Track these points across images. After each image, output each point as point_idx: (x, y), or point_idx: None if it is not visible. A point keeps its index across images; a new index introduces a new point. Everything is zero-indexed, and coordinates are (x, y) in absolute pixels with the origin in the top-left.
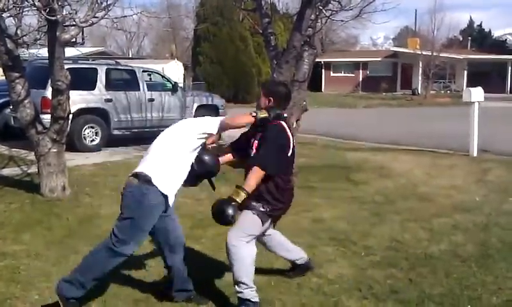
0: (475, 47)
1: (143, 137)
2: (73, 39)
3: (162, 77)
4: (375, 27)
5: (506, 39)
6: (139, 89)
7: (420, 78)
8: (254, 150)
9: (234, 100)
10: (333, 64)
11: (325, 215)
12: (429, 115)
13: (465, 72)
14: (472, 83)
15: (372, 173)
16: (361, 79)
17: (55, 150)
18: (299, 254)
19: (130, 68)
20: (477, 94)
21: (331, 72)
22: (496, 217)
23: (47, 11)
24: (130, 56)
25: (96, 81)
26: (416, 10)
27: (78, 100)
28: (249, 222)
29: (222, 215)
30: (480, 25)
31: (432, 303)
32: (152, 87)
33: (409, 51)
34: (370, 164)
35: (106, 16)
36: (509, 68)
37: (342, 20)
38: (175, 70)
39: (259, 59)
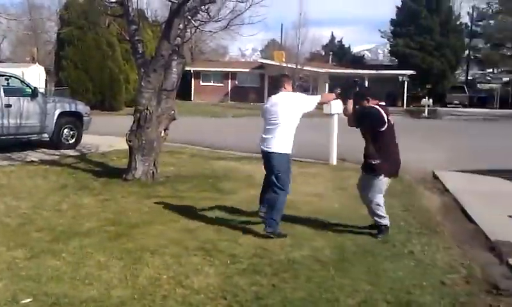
0: (336, 61)
1: None
2: None
3: (21, 81)
4: (243, 39)
5: (364, 55)
6: None
7: None
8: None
9: (100, 107)
10: (203, 73)
11: (193, 225)
12: None
13: (327, 85)
14: None
15: (239, 181)
16: (230, 89)
17: None
18: None
19: None
20: (336, 106)
21: (201, 81)
22: (353, 222)
23: None
24: None
25: None
26: (282, 24)
27: None
28: None
29: None
30: (340, 41)
31: None
32: (9, 92)
33: (275, 63)
34: (238, 173)
35: None
36: (366, 82)
37: (210, 31)
38: (36, 75)
39: (127, 65)
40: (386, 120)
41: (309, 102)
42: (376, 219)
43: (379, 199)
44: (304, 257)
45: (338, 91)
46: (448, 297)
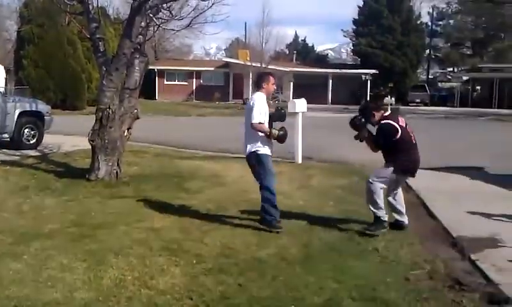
0: (300, 60)
1: None
2: None
3: None
4: (207, 38)
5: (328, 54)
6: None
7: (250, 88)
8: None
9: (62, 106)
10: (167, 72)
11: (158, 225)
12: None
13: (291, 84)
14: (297, 94)
15: (205, 181)
16: (194, 88)
17: None
18: None
19: None
20: (300, 105)
21: (165, 80)
22: (318, 220)
23: None
24: None
25: None
26: (246, 23)
27: None
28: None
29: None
30: (304, 40)
31: (259, 306)
32: None
33: (240, 62)
34: (204, 172)
35: None
36: (330, 80)
37: (173, 29)
38: None
39: (89, 64)
40: (398, 127)
41: (252, 116)
42: (371, 207)
43: (377, 187)
44: (270, 255)
45: (276, 133)
46: (412, 293)
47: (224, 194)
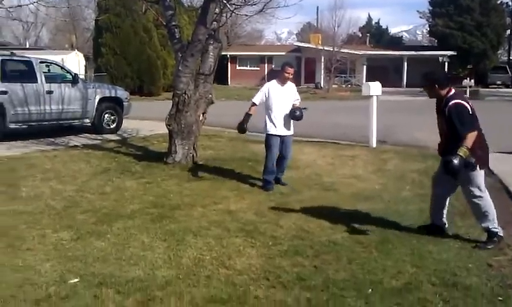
0: (374, 43)
1: (42, 130)
2: None
3: (62, 68)
4: (279, 23)
5: (402, 36)
6: (36, 81)
7: (322, 72)
8: None
9: (139, 92)
10: (239, 57)
11: (233, 207)
12: (331, 108)
13: (364, 67)
14: (370, 77)
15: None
16: (266, 73)
17: None
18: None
19: (26, 58)
20: (375, 88)
21: (237, 65)
22: (395, 204)
23: None
24: (28, 47)
25: None
26: (318, 7)
27: None
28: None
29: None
30: (378, 23)
31: (336, 288)
32: (50, 78)
33: (311, 46)
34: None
35: (0, 5)
36: (405, 63)
37: (246, 15)
38: (75, 61)
39: (164, 51)
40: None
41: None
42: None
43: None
44: (345, 239)
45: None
46: (495, 279)
47: (297, 177)
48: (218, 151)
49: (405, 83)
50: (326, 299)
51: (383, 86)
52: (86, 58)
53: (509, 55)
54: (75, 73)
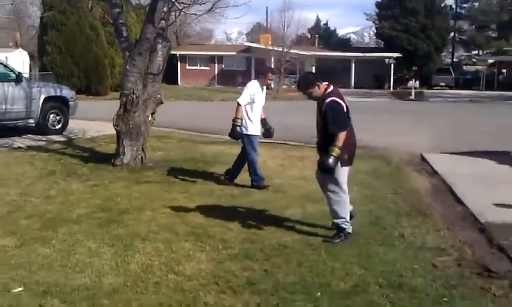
0: (322, 44)
1: None
2: None
3: (5, 66)
4: (229, 22)
5: (350, 38)
6: None
7: None
8: None
9: (86, 91)
10: (189, 57)
11: (183, 210)
12: (281, 108)
13: (313, 68)
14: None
15: (228, 165)
16: (216, 73)
17: None
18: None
19: None
20: None
21: (187, 65)
22: None
23: None
24: None
25: None
26: (267, 7)
27: None
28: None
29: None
30: (326, 24)
31: (285, 292)
32: None
33: (261, 47)
34: (227, 157)
35: None
36: (353, 64)
37: (195, 14)
38: (19, 60)
39: (112, 49)
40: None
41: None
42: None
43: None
44: (295, 241)
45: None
46: (440, 280)
47: (248, 179)
48: (168, 153)
49: (353, 84)
50: (276, 303)
51: None
52: (31, 56)
53: (452, 57)
54: (18, 72)
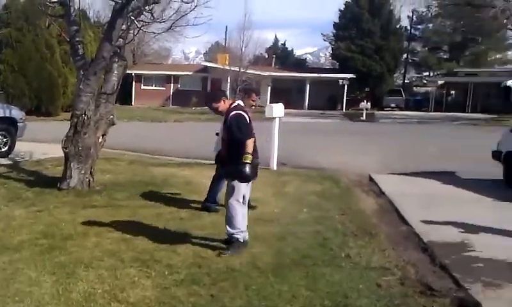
0: (279, 64)
1: None
2: None
3: None
4: (187, 41)
5: (306, 58)
6: None
7: (228, 93)
8: None
9: (36, 112)
10: (144, 76)
11: (129, 235)
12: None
13: (269, 88)
14: (275, 99)
15: (178, 188)
16: (172, 93)
17: None
18: None
19: None
20: (277, 110)
21: (142, 85)
22: (292, 227)
23: None
24: None
25: None
26: (226, 26)
27: None
28: None
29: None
30: (284, 44)
31: None
32: None
33: (219, 66)
34: (178, 180)
35: None
36: (308, 85)
37: (154, 32)
38: None
39: (66, 68)
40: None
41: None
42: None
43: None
44: (242, 264)
45: None
46: (383, 299)
47: (197, 202)
48: (117, 176)
49: (307, 105)
50: None
51: (286, 108)
52: None
53: (404, 79)
54: None
